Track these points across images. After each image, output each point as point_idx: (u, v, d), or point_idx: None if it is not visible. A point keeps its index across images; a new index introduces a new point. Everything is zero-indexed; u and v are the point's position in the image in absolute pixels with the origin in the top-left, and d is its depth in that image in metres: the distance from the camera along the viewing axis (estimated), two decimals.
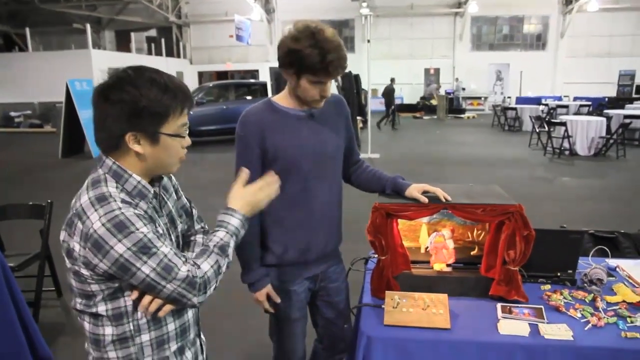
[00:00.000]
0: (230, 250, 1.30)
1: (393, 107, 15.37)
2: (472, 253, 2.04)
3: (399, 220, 1.88)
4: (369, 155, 9.69)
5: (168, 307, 1.23)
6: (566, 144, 9.67)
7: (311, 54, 1.55)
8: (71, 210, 1.18)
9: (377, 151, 10.01)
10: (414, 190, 1.80)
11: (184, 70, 24.32)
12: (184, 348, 1.36)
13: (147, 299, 1.20)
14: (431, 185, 1.84)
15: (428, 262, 1.97)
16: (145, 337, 1.26)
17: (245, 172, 1.42)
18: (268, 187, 1.41)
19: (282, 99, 1.78)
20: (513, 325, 1.61)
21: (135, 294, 1.21)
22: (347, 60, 1.65)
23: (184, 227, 1.44)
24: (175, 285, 1.17)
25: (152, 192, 1.26)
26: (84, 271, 1.16)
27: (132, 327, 1.24)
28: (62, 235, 1.18)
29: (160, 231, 1.24)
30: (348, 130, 1.93)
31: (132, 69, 1.18)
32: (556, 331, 1.57)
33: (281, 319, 1.87)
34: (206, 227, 1.53)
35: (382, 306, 1.74)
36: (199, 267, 1.22)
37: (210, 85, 13.79)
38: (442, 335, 1.60)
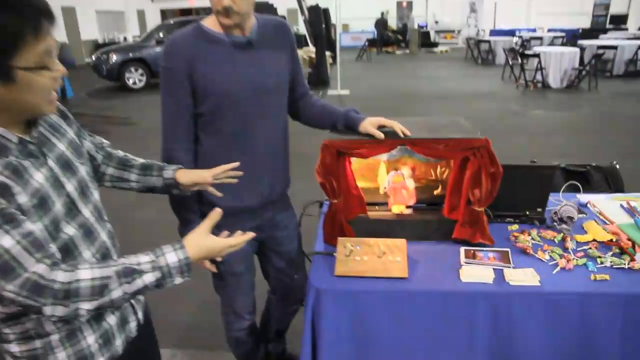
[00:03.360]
0: (140, 284, 1.00)
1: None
2: (435, 192, 1.86)
3: (354, 159, 1.67)
4: (339, 91, 9.34)
5: None
6: (539, 76, 9.51)
7: None
8: None
9: (347, 87, 9.66)
10: (369, 124, 1.57)
11: (145, 8, 22.79)
12: (102, 314, 1.16)
13: None
14: (390, 118, 1.61)
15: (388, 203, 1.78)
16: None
17: (217, 213, 1.17)
18: (235, 247, 1.17)
19: (214, 23, 1.48)
20: (476, 272, 1.46)
21: None
22: None
23: (89, 169, 1.18)
24: (16, 292, 0.88)
25: (16, 140, 0.96)
26: None
27: None
28: None
29: (24, 201, 0.93)
30: (293, 60, 1.65)
31: None
32: (522, 277, 1.43)
33: (224, 273, 1.68)
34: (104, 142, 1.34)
35: (334, 254, 1.56)
36: (73, 270, 0.93)
37: (172, 22, 12.82)
38: (398, 285, 1.44)
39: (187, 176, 1.36)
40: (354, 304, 1.45)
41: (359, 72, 12.54)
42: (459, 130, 1.63)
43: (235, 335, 1.87)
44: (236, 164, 1.38)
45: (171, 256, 1.04)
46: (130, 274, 0.99)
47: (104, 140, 1.36)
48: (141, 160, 1.38)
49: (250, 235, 1.16)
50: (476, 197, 1.57)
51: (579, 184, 1.95)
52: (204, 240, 1.12)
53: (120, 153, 1.38)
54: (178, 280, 1.05)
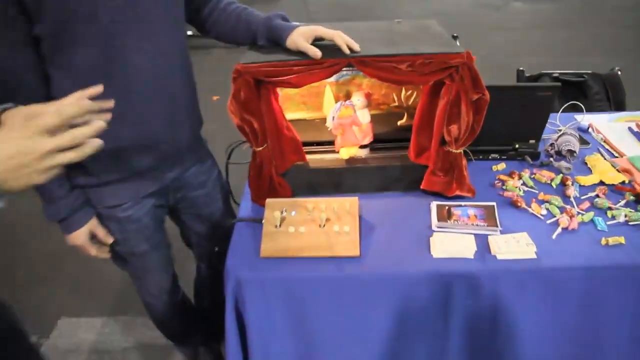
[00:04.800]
0: None
1: None
2: (399, 123, 1.41)
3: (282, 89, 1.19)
4: None
5: None
6: None
7: None
8: None
9: None
10: (299, 37, 1.07)
11: None
12: None
13: None
14: (331, 26, 1.11)
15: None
16: None
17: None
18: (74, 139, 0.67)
19: None
20: (452, 243, 1.07)
21: None
22: None
23: None
24: None
25: None
26: None
27: None
28: None
29: None
30: None
31: None
32: (514, 247, 1.05)
33: (122, 254, 1.26)
34: None
35: (263, 221, 1.15)
36: None
37: None
38: (347, 268, 1.05)
39: (18, 111, 0.84)
40: (289, 295, 1.06)
41: None
42: (429, 40, 1.14)
43: (155, 317, 1.51)
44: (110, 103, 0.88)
45: None
46: None
47: None
48: None
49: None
50: (453, 136, 1.13)
51: (582, 105, 1.53)
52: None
53: None
54: None
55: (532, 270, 1.02)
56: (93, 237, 1.18)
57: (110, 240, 1.20)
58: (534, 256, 1.04)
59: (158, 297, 1.43)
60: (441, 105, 1.12)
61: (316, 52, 1.03)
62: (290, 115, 1.44)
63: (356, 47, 1.05)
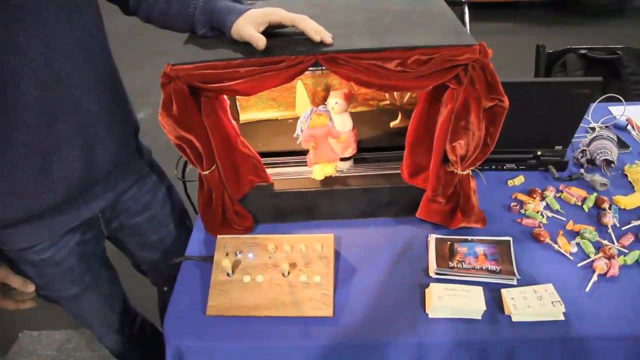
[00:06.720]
0: None
1: None
2: (392, 125, 1.13)
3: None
4: None
5: None
6: None
7: None
8: None
9: None
10: (246, 24, 0.78)
11: None
12: None
13: None
14: (298, 8, 0.82)
15: None
16: None
17: None
18: None
19: None
20: (454, 299, 0.82)
21: None
22: None
23: None
24: None
25: None
26: None
27: None
28: None
29: None
30: None
31: None
32: (535, 305, 0.80)
33: (53, 298, 1.03)
34: None
35: (213, 266, 0.90)
36: None
37: None
38: (316, 333, 0.81)
39: None
40: None
41: None
42: (428, 25, 0.84)
43: (110, 350, 1.29)
44: None
45: None
46: None
47: None
48: None
49: None
50: (459, 154, 0.86)
51: (620, 98, 1.23)
52: None
53: None
54: None
55: (559, 337, 0.78)
56: (8, 287, 0.94)
57: (31, 288, 0.95)
58: (562, 317, 0.79)
59: (107, 334, 1.21)
60: (444, 115, 0.84)
61: (258, 42, 0.74)
62: (257, 115, 1.17)
63: (327, 37, 0.77)
